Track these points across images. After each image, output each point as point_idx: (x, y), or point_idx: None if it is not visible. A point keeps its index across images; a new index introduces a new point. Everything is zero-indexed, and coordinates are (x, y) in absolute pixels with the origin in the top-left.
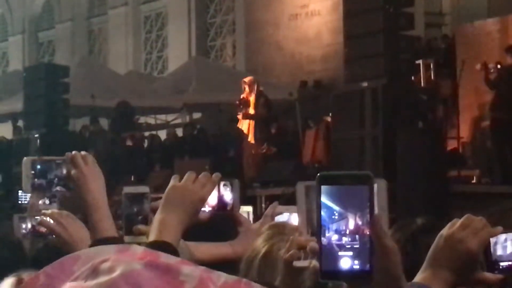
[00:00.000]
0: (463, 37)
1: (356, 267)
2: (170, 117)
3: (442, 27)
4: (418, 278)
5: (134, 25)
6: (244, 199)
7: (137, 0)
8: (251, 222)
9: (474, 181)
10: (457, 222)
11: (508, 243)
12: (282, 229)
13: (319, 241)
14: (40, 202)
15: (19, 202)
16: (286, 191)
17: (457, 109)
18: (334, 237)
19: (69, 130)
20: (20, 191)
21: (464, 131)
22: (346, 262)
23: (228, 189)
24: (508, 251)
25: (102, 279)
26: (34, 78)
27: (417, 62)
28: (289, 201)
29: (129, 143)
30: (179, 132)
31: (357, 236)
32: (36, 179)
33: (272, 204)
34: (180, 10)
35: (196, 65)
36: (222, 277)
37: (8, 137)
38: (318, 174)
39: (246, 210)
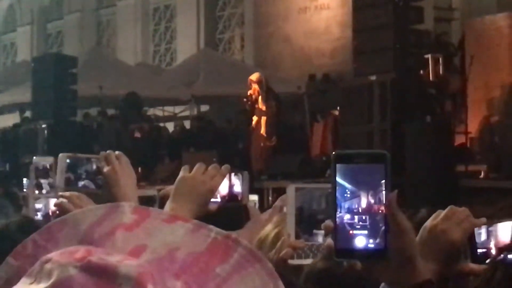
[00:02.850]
0: (473, 32)
1: (371, 245)
2: (177, 109)
3: (451, 22)
4: None
5: (142, 17)
6: (252, 191)
7: None
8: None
9: (482, 176)
10: (441, 214)
11: (482, 230)
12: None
13: (334, 219)
14: (37, 192)
15: (24, 190)
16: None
17: (466, 104)
18: (347, 216)
19: (77, 121)
20: (24, 180)
21: (472, 127)
22: (361, 240)
23: (238, 180)
24: (482, 238)
25: (40, 286)
26: (42, 69)
27: (426, 56)
28: None
29: (137, 134)
30: (187, 124)
31: (369, 215)
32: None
33: (281, 196)
34: (189, 2)
35: (204, 57)
36: (212, 232)
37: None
38: (333, 153)
39: (252, 199)
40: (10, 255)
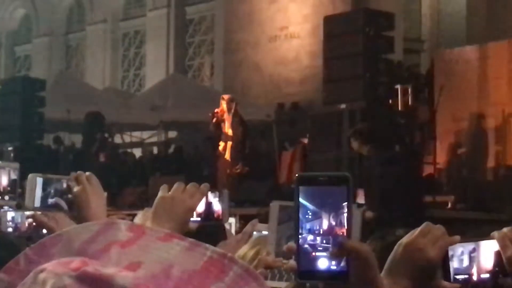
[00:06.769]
0: (442, 63)
1: (333, 267)
2: (145, 135)
3: (421, 53)
4: None
5: (112, 42)
6: None
7: (116, 17)
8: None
9: (449, 206)
10: (416, 231)
11: (465, 256)
12: (264, 238)
13: (296, 241)
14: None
15: None
16: (261, 211)
17: (434, 135)
18: (309, 238)
19: (44, 144)
20: None
21: (440, 157)
22: (323, 262)
23: (216, 199)
24: (465, 264)
25: None
26: (10, 91)
27: (395, 86)
28: (264, 221)
29: (102, 159)
30: (154, 150)
31: (330, 237)
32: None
33: (252, 221)
34: (159, 28)
35: (173, 82)
36: (208, 251)
37: None
38: (297, 175)
39: (229, 222)
40: (2, 271)
